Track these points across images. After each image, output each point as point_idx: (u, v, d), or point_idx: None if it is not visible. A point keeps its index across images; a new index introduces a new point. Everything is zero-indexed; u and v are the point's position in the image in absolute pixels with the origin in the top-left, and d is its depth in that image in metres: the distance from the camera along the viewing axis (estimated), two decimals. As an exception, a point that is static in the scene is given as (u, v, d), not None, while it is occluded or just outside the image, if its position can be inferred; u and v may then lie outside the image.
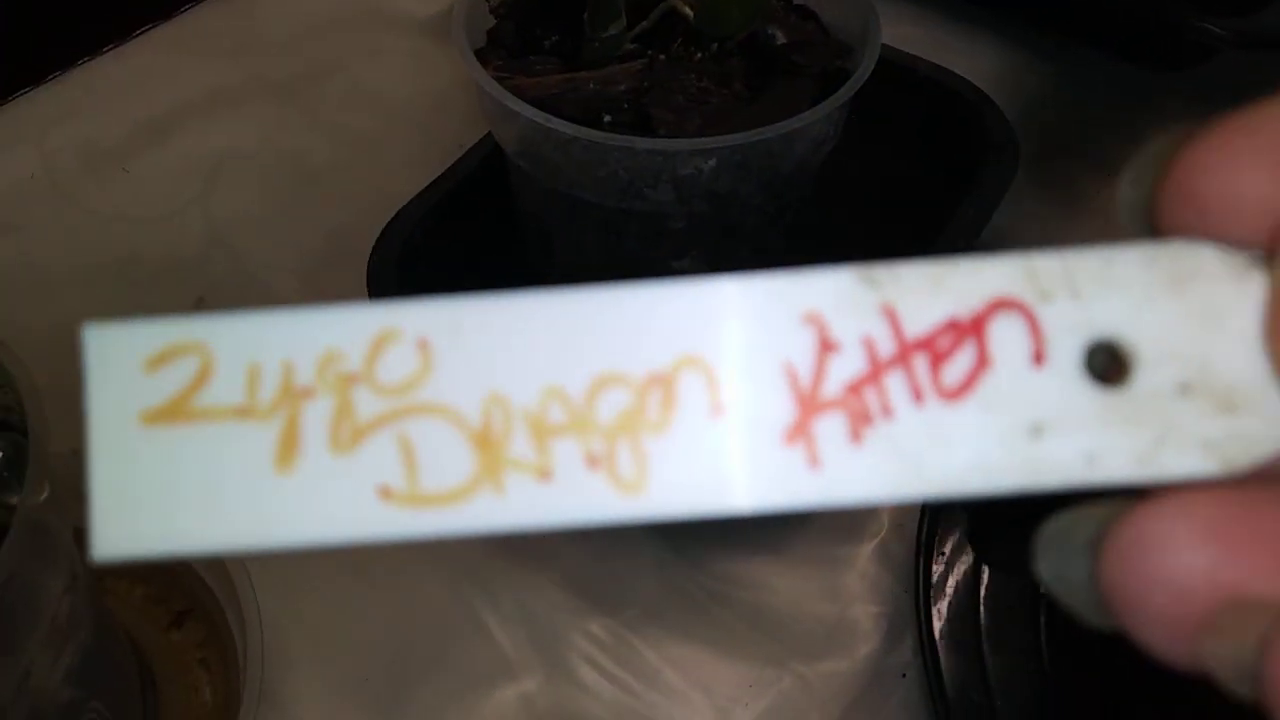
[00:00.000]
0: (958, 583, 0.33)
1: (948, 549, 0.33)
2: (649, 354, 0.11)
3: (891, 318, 0.11)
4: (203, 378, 0.11)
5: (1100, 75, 0.50)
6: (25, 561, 0.21)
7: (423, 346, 0.11)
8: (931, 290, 0.11)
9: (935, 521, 0.33)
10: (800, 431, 0.11)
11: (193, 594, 0.32)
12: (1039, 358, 0.11)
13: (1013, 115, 0.43)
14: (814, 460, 0.11)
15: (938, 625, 0.32)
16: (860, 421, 0.11)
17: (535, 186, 0.34)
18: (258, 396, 0.11)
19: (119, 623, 0.29)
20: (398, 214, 0.38)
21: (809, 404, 0.11)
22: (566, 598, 0.33)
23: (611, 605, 0.33)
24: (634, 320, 0.11)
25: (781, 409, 0.11)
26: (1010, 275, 0.11)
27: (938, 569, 0.33)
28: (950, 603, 0.33)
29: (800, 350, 0.11)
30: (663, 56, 0.33)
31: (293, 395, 0.11)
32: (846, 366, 0.11)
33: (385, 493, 0.11)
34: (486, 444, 0.11)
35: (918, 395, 0.11)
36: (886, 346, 0.11)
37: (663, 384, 0.11)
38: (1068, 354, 0.11)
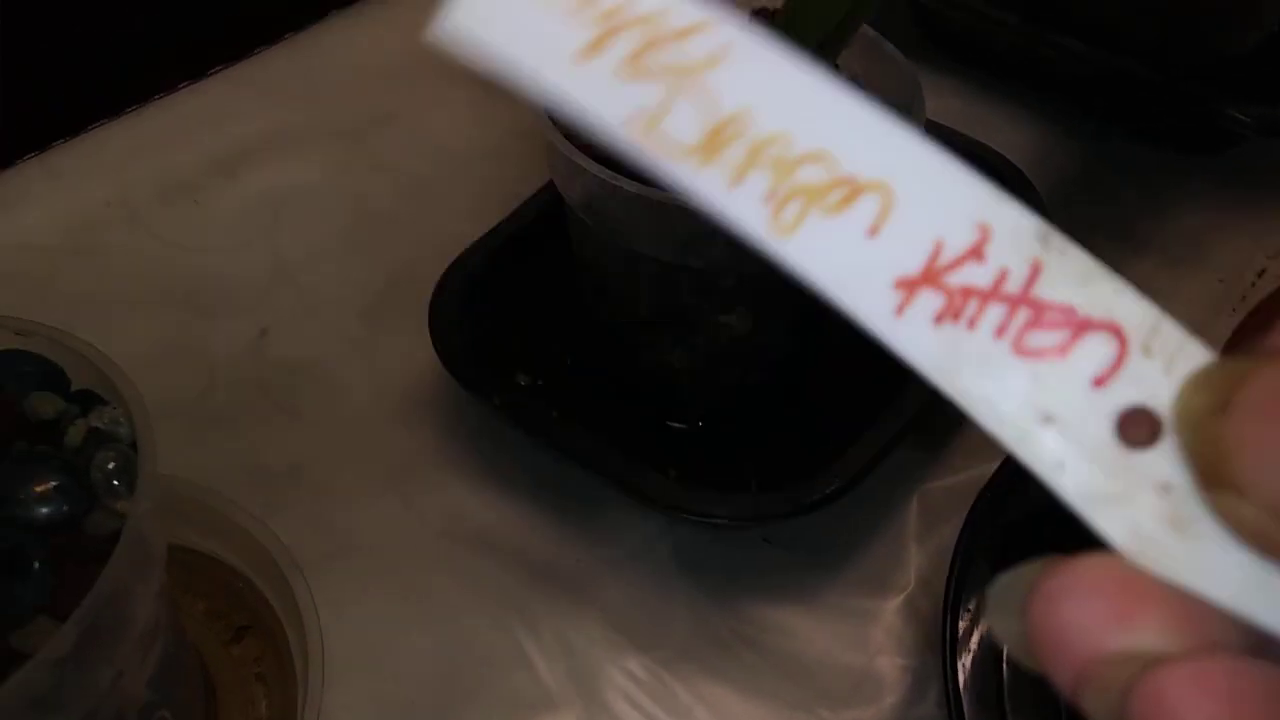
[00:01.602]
0: (982, 639, 0.34)
1: (973, 606, 0.35)
2: (863, 162, 0.13)
3: (1035, 272, 0.13)
4: None
5: (1134, 155, 0.52)
6: (130, 567, 0.22)
7: (724, 49, 0.14)
8: (1077, 278, 0.13)
9: (963, 580, 0.34)
10: (907, 288, 0.13)
11: (253, 610, 0.33)
12: (1099, 382, 0.13)
13: (1046, 190, 0.45)
14: (897, 312, 0.13)
15: (962, 679, 0.33)
16: (948, 315, 0.13)
17: (596, 239, 0.35)
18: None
19: (188, 634, 0.30)
20: (459, 258, 0.40)
21: (930, 275, 0.13)
22: (605, 633, 0.35)
23: (647, 643, 0.35)
24: (870, 132, 0.14)
25: (910, 263, 0.13)
26: (1139, 316, 0.13)
27: (963, 625, 0.34)
28: (974, 658, 0.34)
29: (958, 240, 0.13)
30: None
31: (612, 21, 0.14)
32: (976, 275, 0.13)
33: (635, 118, 0.14)
34: (717, 135, 0.13)
35: (1000, 332, 0.13)
36: (1014, 285, 0.13)
37: (852, 187, 0.13)
38: (1119, 398, 0.13)
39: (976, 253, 0.13)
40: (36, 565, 0.22)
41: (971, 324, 0.13)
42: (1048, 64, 0.51)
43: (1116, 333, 0.13)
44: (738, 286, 0.35)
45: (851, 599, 0.36)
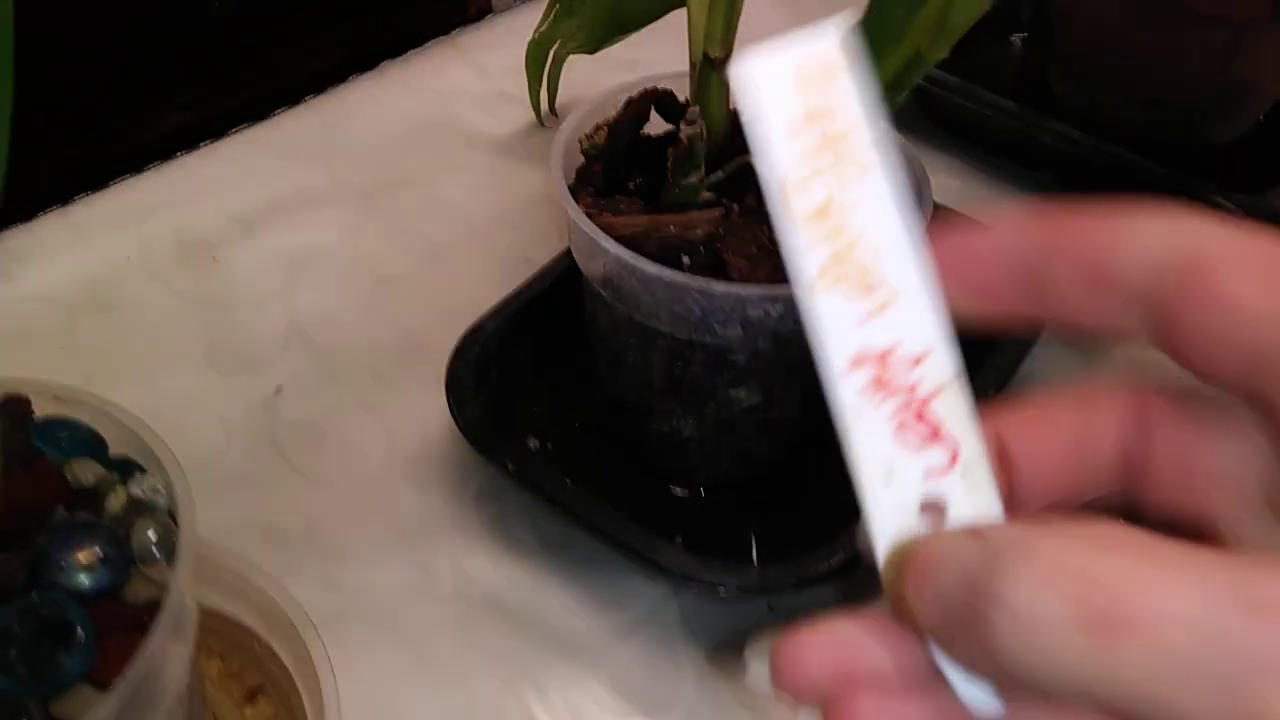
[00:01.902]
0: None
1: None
2: (891, 270, 0.17)
3: (936, 392, 0.17)
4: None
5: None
6: (169, 636, 0.23)
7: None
8: (955, 411, 0.17)
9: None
10: (865, 359, 0.17)
11: (267, 671, 0.34)
12: (929, 475, 0.17)
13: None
14: (849, 369, 0.17)
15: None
16: (874, 387, 0.17)
17: (612, 313, 0.37)
18: None
19: (206, 696, 0.31)
20: (475, 325, 0.41)
21: (882, 358, 0.17)
22: (613, 699, 0.35)
23: (655, 709, 0.35)
24: (905, 253, 0.17)
25: (877, 345, 0.17)
26: (971, 451, 0.17)
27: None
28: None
29: (910, 348, 0.17)
30: (737, 207, 0.36)
31: None
32: (904, 374, 0.17)
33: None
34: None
35: (894, 414, 0.17)
36: (920, 393, 0.17)
37: (877, 281, 0.17)
38: (932, 489, 0.17)
39: (916, 360, 0.17)
40: (81, 634, 0.22)
41: (882, 400, 0.17)
42: (1042, 147, 0.53)
43: (954, 454, 0.17)
44: (749, 362, 0.36)
45: (853, 670, 0.36)
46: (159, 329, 0.46)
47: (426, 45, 0.61)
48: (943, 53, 0.28)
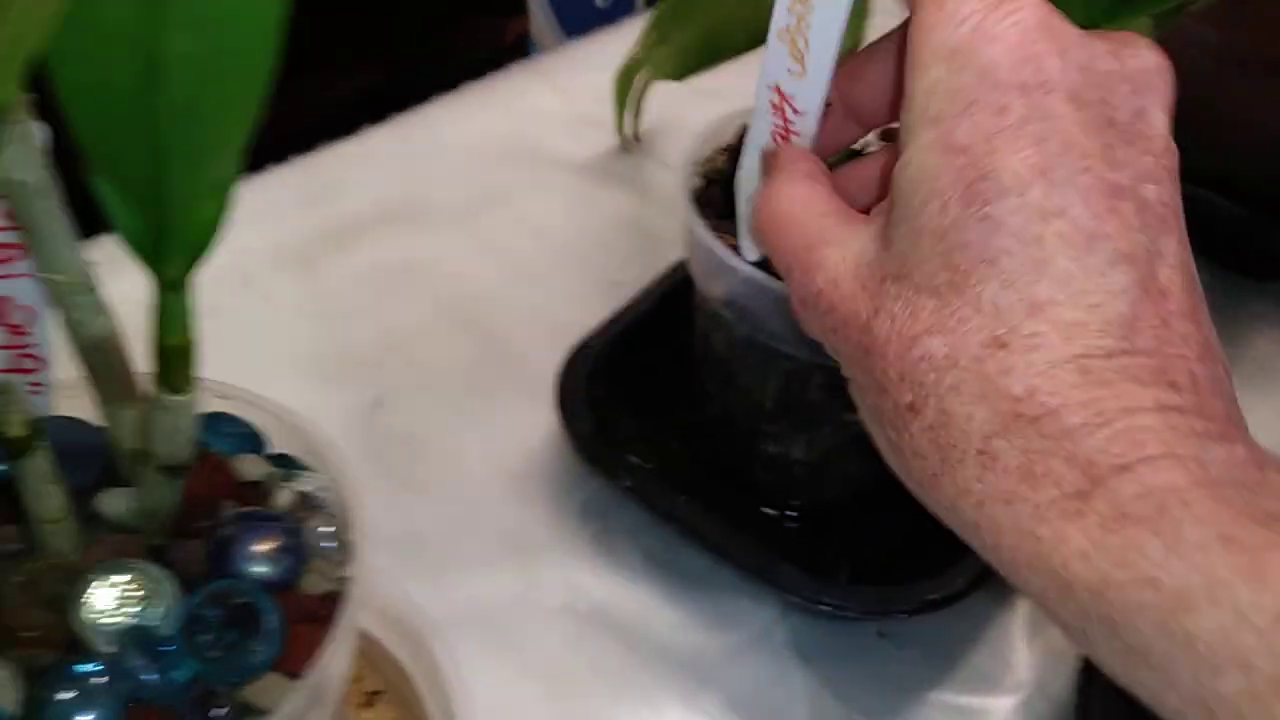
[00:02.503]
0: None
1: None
2: None
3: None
4: None
5: (1203, 277, 0.54)
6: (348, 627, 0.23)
7: None
8: None
9: (1088, 691, 0.34)
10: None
11: (385, 675, 0.34)
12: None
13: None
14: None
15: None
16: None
17: (730, 333, 0.37)
18: None
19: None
20: (582, 343, 0.42)
21: None
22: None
23: (767, 730, 0.35)
24: None
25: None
26: None
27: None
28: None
29: None
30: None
31: None
32: None
33: None
34: None
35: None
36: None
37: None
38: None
39: (798, 111, 0.27)
40: (271, 621, 0.22)
41: (773, 116, 0.28)
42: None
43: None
44: (866, 385, 0.36)
45: (964, 697, 0.36)
46: (257, 338, 0.46)
47: (508, 67, 0.62)
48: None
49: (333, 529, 0.25)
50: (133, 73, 0.17)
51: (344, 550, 0.25)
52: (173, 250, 0.20)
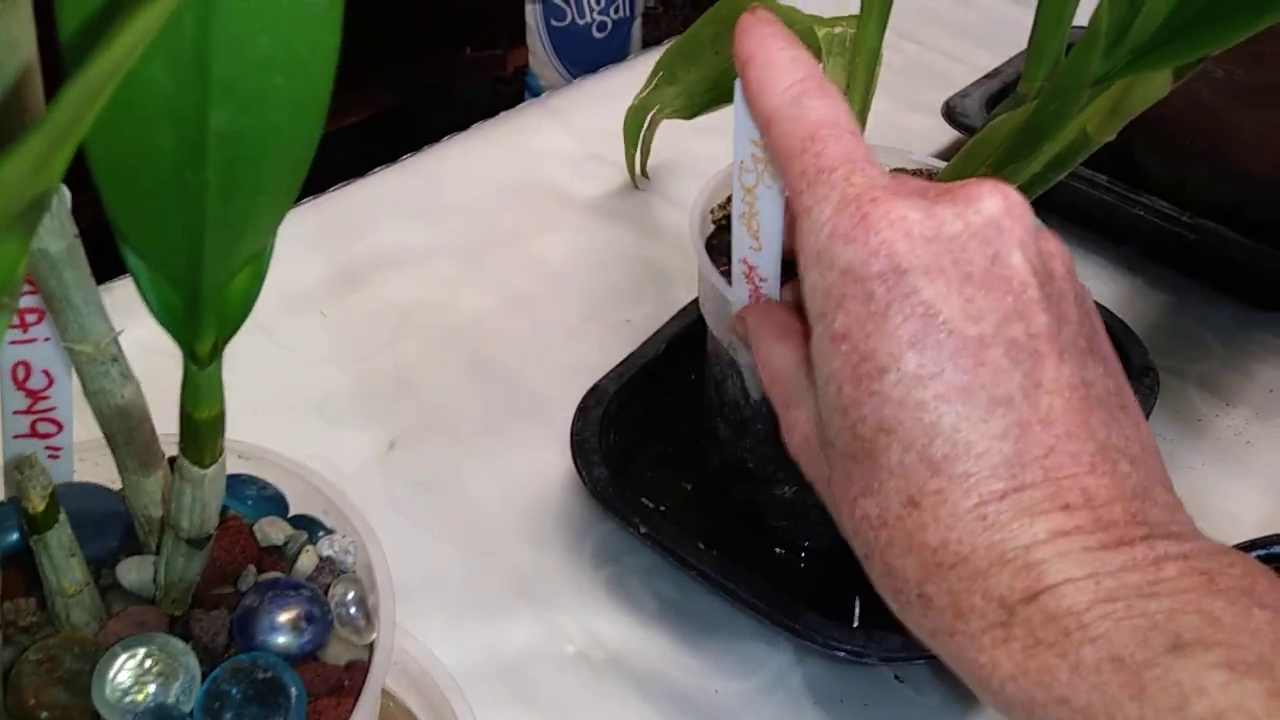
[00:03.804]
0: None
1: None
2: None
3: None
4: None
5: (1214, 308, 0.54)
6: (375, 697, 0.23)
7: None
8: None
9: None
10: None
11: (403, 730, 0.33)
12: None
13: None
14: None
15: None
16: None
17: (744, 379, 0.37)
18: None
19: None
20: (595, 387, 0.42)
21: None
22: (746, 768, 0.35)
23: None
24: None
25: None
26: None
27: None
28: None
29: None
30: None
31: None
32: None
33: None
34: None
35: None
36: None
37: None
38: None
39: (762, 278, 0.30)
40: (294, 696, 0.22)
41: (745, 281, 0.31)
42: (1131, 219, 0.54)
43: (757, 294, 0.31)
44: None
45: (985, 742, 0.36)
46: (270, 383, 0.46)
47: (519, 107, 0.62)
48: (1111, 135, 0.29)
49: (356, 593, 0.25)
50: (173, 150, 0.17)
51: (367, 614, 0.25)
52: (206, 325, 0.20)
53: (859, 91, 0.37)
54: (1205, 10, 0.23)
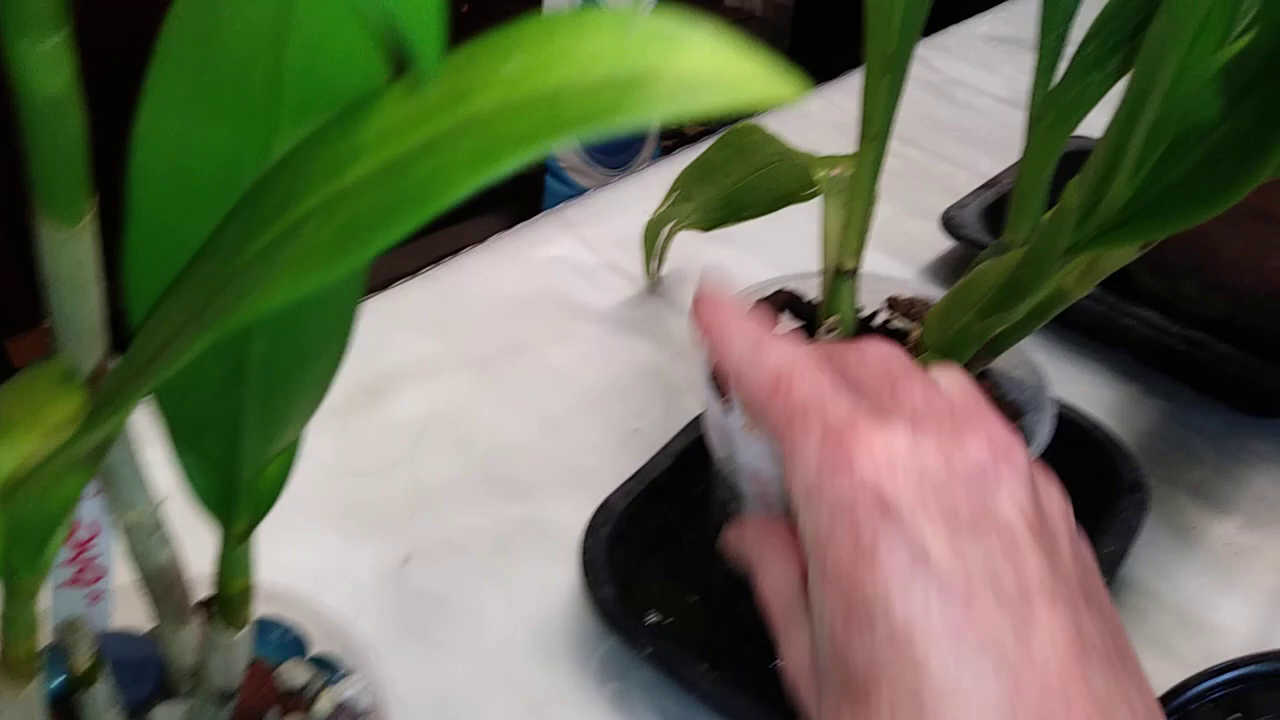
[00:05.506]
0: None
1: None
2: None
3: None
4: None
5: (1206, 415, 0.55)
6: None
7: None
8: None
9: None
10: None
11: None
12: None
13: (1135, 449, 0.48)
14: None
15: None
16: None
17: (747, 504, 0.39)
18: None
19: None
20: (604, 504, 0.43)
21: None
22: None
23: None
24: None
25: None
26: None
27: None
28: None
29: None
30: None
31: None
32: None
33: None
34: None
35: None
36: None
37: None
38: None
39: (754, 475, 0.32)
40: (314, 843, 0.24)
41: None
42: (1124, 330, 0.56)
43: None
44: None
45: None
46: (290, 494, 0.48)
47: (534, 219, 0.65)
48: (1086, 291, 0.31)
49: (371, 738, 0.26)
50: (219, 374, 0.19)
51: (382, 761, 0.26)
52: (242, 509, 0.22)
53: (856, 230, 0.39)
54: (1161, 199, 0.25)
